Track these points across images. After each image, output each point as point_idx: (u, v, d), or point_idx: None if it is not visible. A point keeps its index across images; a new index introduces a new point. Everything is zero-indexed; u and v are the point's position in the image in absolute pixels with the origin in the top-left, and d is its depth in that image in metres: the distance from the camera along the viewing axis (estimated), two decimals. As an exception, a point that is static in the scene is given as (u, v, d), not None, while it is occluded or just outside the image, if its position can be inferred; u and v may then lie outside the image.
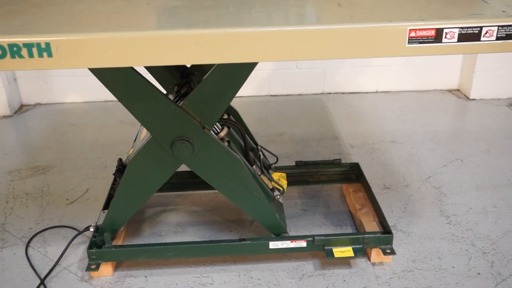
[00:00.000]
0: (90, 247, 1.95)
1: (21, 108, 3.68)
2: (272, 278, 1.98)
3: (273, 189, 2.11)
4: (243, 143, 2.05)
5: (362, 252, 2.00)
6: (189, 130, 1.80)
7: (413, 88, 3.76)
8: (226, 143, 1.96)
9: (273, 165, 2.32)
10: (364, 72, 3.71)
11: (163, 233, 2.26)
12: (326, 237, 1.97)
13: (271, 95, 3.77)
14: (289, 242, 1.98)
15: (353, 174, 2.49)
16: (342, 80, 3.74)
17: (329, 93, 3.78)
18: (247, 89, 3.70)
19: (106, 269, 1.99)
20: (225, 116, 2.05)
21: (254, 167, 2.06)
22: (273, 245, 1.98)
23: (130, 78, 1.69)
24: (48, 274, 2.01)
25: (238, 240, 1.97)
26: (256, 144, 2.26)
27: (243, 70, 1.75)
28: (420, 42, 1.36)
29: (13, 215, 2.40)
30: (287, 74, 3.69)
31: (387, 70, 3.70)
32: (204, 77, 1.76)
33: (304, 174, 2.50)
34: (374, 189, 2.44)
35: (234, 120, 2.07)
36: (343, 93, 3.77)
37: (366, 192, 2.31)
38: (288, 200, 2.46)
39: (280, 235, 2.01)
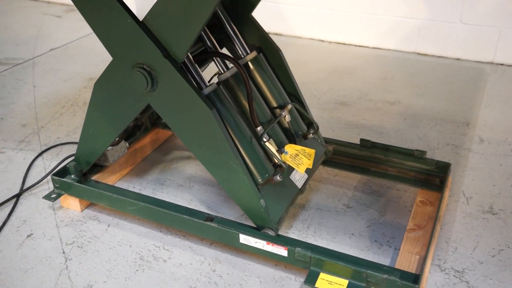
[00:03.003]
0: (56, 173, 1.69)
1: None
2: (237, 281, 1.44)
3: (280, 166, 1.51)
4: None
5: (364, 293, 1.31)
6: (148, 56, 1.33)
7: None
8: (220, 88, 1.43)
9: (311, 135, 1.69)
10: None
11: (166, 183, 1.87)
12: (314, 254, 1.33)
13: (418, 53, 2.91)
14: (264, 243, 1.40)
15: (437, 177, 1.68)
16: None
17: (501, 64, 2.74)
18: (388, 40, 2.92)
19: (74, 203, 1.72)
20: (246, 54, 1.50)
21: (259, 129, 1.48)
22: (243, 239, 1.42)
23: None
24: (27, 189, 1.83)
25: (204, 219, 1.47)
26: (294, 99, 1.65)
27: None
28: None
29: (56, 120, 2.29)
30: (446, 28, 2.77)
31: None
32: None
33: (368, 159, 1.79)
34: (471, 211, 1.65)
35: (234, 59, 1.50)
36: (523, 68, 2.70)
37: (438, 209, 1.52)
38: (336, 187, 1.81)
39: (262, 229, 1.44)
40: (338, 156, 1.83)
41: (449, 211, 1.70)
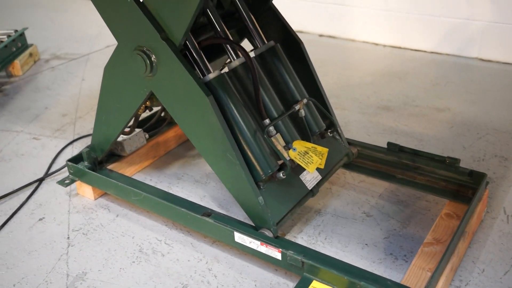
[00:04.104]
0: (71, 159, 1.69)
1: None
2: (231, 283, 1.35)
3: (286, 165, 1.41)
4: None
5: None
6: (147, 38, 1.29)
7: None
8: (224, 76, 1.36)
9: (329, 133, 1.56)
10: None
11: (183, 177, 1.82)
12: (306, 259, 1.20)
13: (481, 59, 2.66)
14: (258, 243, 1.29)
15: (470, 189, 1.49)
16: None
17: None
18: (447, 44, 2.70)
19: (88, 191, 1.71)
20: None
21: (267, 121, 1.39)
22: (238, 237, 1.33)
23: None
24: (49, 175, 1.86)
25: (201, 214, 1.40)
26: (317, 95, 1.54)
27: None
28: None
29: (94, 112, 2.31)
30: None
31: None
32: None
33: (395, 164, 1.63)
34: (510, 230, 1.47)
35: (241, 47, 1.41)
36: None
37: (462, 223, 1.34)
38: (360, 194, 1.66)
39: (260, 229, 1.34)
40: (363, 160, 1.68)
41: (483, 228, 1.50)
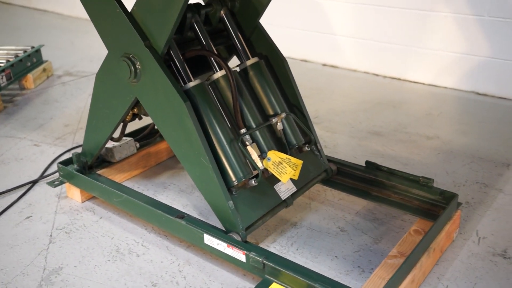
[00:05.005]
0: (63, 161, 1.77)
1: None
2: (199, 284, 1.39)
3: (263, 172, 1.46)
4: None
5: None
6: (133, 45, 1.37)
7: None
8: (204, 85, 1.43)
9: (306, 148, 1.61)
10: None
11: (169, 187, 1.88)
12: (267, 261, 1.24)
13: (477, 93, 2.69)
14: (225, 245, 1.33)
15: (441, 209, 1.51)
16: None
17: None
18: (445, 77, 2.75)
19: (76, 194, 1.78)
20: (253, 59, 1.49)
21: (243, 131, 1.45)
22: (208, 239, 1.37)
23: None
24: (43, 177, 1.94)
25: (175, 216, 1.45)
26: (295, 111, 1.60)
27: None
28: None
29: (95, 124, 2.43)
30: (509, 67, 2.55)
31: None
32: (150, -24, 1.29)
33: (372, 182, 1.66)
34: (479, 251, 1.50)
35: (223, 59, 1.49)
36: None
37: (425, 237, 1.35)
38: (337, 210, 1.69)
39: (229, 233, 1.38)
40: (342, 177, 1.72)
41: (453, 248, 1.51)
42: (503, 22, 2.51)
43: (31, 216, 1.72)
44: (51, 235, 1.62)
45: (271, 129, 1.55)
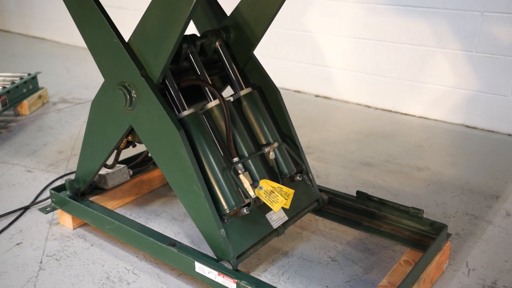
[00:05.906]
0: (56, 188, 1.77)
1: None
2: (188, 314, 1.39)
3: (255, 201, 1.47)
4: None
5: None
6: (129, 74, 1.40)
7: None
8: (197, 114, 1.46)
9: (298, 177, 1.63)
10: None
11: (162, 215, 1.88)
12: (258, 291, 1.24)
13: (467, 126, 2.74)
14: (216, 273, 1.33)
15: (431, 239, 1.53)
16: None
17: (558, 145, 2.49)
18: (435, 110, 2.80)
19: (68, 221, 1.78)
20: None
21: (235, 159, 1.47)
22: (199, 268, 1.37)
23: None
24: (35, 204, 1.93)
25: (167, 243, 1.45)
26: (288, 139, 1.63)
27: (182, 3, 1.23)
28: None
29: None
30: (497, 101, 2.60)
31: None
32: (147, 8, 1.32)
33: (363, 212, 1.68)
34: (469, 283, 1.51)
35: (217, 89, 1.52)
36: None
37: (415, 267, 1.36)
38: (329, 240, 1.70)
39: (220, 261, 1.38)
40: (333, 207, 1.74)
41: (443, 278, 1.52)
42: (490, 57, 2.58)
43: (21, 243, 1.71)
44: (41, 262, 1.62)
45: (264, 158, 1.57)
